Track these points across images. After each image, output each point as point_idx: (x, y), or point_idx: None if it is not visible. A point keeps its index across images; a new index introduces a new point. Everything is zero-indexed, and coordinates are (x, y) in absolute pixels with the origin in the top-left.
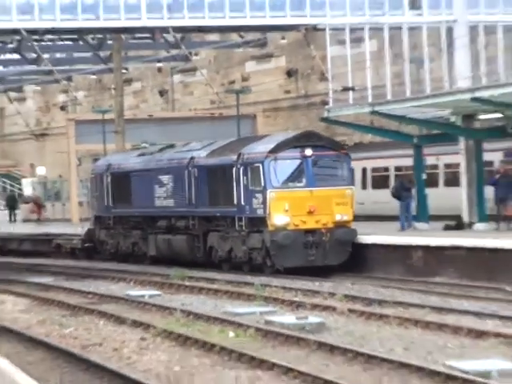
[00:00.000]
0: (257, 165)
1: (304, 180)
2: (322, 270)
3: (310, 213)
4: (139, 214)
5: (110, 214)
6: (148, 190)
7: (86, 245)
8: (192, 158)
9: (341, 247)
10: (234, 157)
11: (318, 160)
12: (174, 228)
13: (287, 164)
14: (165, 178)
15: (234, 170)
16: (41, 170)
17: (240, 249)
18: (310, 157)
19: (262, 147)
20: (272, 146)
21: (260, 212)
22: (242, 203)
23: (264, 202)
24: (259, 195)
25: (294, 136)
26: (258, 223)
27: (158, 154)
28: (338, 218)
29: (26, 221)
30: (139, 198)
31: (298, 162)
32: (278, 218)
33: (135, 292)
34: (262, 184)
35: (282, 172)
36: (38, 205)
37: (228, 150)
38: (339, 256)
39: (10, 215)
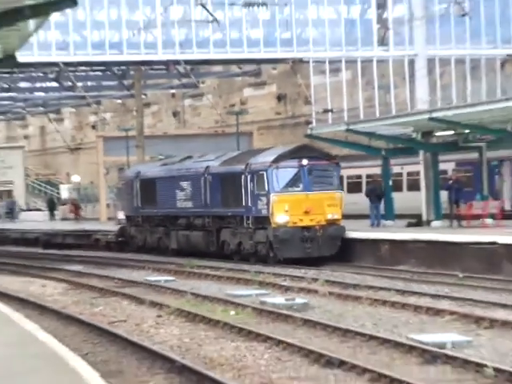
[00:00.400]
0: (261, 173)
1: (301, 185)
2: (316, 260)
3: (306, 213)
4: (163, 214)
5: (139, 214)
6: (170, 194)
7: (119, 239)
8: (207, 167)
9: (332, 241)
10: (243, 166)
11: (313, 168)
12: (192, 225)
13: (287, 172)
14: (184, 184)
15: (243, 177)
16: (75, 178)
17: (248, 243)
18: (306, 166)
19: (265, 158)
20: (274, 157)
21: (264, 212)
22: (250, 204)
23: (268, 204)
24: (264, 198)
25: (293, 149)
26: (263, 221)
27: (179, 164)
28: (329, 216)
29: (63, 219)
30: (163, 200)
31: (295, 170)
32: (280, 217)
33: (153, 278)
34: (266, 189)
35: (283, 179)
36: (76, 206)
37: (237, 160)
38: (331, 248)
39: (50, 215)
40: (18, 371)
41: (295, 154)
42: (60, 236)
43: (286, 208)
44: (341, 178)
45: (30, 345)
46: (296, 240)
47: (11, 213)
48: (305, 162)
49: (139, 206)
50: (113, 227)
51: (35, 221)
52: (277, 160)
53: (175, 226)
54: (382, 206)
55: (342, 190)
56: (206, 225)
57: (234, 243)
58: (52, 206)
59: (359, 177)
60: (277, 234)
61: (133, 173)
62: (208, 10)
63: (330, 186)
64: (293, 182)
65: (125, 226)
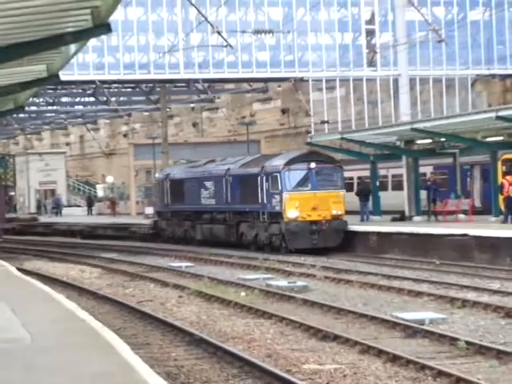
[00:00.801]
0: (275, 174)
1: (309, 185)
2: (322, 250)
3: (314, 209)
4: (189, 210)
5: (169, 210)
6: (196, 192)
7: (152, 231)
8: (228, 169)
9: (336, 233)
10: (259, 168)
11: (320, 171)
12: (215, 219)
13: (297, 174)
14: (208, 184)
15: (259, 178)
16: (109, 179)
17: (263, 234)
18: (314, 169)
19: (279, 162)
20: (286, 160)
21: (278, 208)
22: (265, 202)
23: (281, 201)
24: (277, 196)
25: (302, 154)
26: (276, 216)
27: (203, 167)
28: (334, 212)
29: (99, 214)
30: (190, 197)
31: (305, 172)
32: (291, 212)
33: (175, 264)
34: (280, 188)
35: (294, 179)
36: (113, 203)
37: (254, 163)
38: (335, 240)
39: (88, 210)
40: (63, 343)
41: (305, 158)
42: (101, 228)
43: (297, 205)
44: None
45: (70, 321)
46: (305, 232)
47: (57, 208)
48: (313, 165)
49: (169, 203)
50: (142, 221)
51: (77, 215)
52: (289, 163)
53: (200, 220)
54: (370, 203)
55: (345, 189)
56: (226, 219)
57: (251, 235)
58: (90, 202)
59: (351, 178)
60: (288, 228)
61: (163, 175)
62: (223, 37)
63: (335, 186)
64: (302, 183)
65: (157, 220)
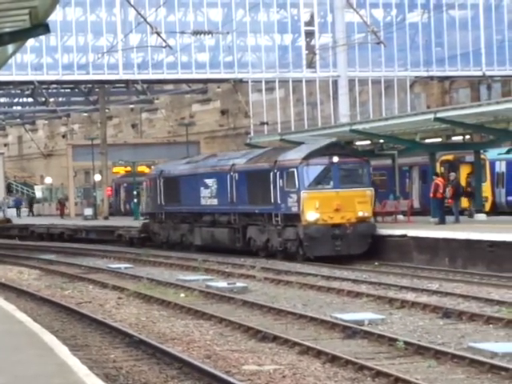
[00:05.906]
0: (291, 170)
1: (331, 182)
2: (345, 258)
3: (337, 210)
4: (187, 211)
5: (162, 211)
6: (195, 191)
7: (142, 235)
8: (233, 165)
9: (362, 239)
10: (271, 163)
11: (343, 166)
12: (217, 222)
13: (317, 169)
14: (209, 181)
15: (271, 174)
16: (48, 180)
17: (276, 240)
18: (336, 163)
19: (295, 155)
20: (304, 154)
21: (294, 209)
22: (279, 202)
23: (298, 201)
24: (294, 195)
25: (323, 146)
26: (292, 218)
27: (203, 162)
28: (359, 214)
29: (38, 215)
30: (187, 197)
31: (326, 167)
32: (310, 214)
33: (114, 265)
34: (296, 186)
35: (313, 176)
36: (62, 204)
37: (265, 157)
38: (361, 246)
39: (29, 211)
40: (0, 345)
41: (326, 151)
42: (83, 231)
43: (317, 205)
44: None
45: (9, 323)
46: (327, 238)
47: (18, 209)
48: (335, 159)
49: (162, 204)
50: (131, 223)
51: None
52: (307, 157)
53: (199, 223)
54: None
55: (372, 187)
56: (231, 222)
57: (262, 240)
58: (31, 203)
59: None
60: (307, 232)
61: (156, 172)
62: (162, 37)
63: (361, 183)
64: (323, 179)
65: (148, 223)
